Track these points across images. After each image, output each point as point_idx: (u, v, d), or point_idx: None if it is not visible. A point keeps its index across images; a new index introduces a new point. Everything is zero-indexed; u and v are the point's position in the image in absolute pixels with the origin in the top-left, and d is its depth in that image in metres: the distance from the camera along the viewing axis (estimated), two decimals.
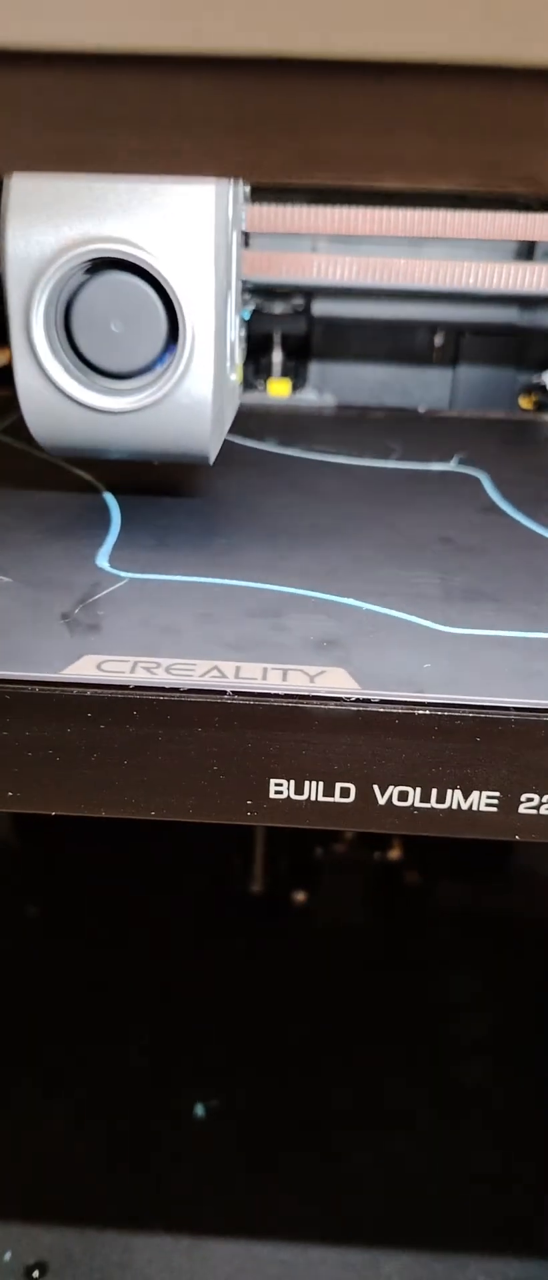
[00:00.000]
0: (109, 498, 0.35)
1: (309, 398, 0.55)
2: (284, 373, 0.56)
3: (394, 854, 0.74)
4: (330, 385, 0.56)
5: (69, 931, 0.68)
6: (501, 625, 0.27)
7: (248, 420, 0.49)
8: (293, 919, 0.72)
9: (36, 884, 0.72)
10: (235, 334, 0.34)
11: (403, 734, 0.23)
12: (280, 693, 0.23)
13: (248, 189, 0.38)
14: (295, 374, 0.56)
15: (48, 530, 0.32)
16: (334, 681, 0.23)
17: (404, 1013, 0.63)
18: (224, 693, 0.23)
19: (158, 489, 0.37)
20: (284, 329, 0.55)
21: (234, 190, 0.31)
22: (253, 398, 0.55)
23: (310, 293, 0.54)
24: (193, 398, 0.28)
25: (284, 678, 0.23)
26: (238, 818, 0.24)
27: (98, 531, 0.32)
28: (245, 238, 0.38)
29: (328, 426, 0.50)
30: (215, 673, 0.23)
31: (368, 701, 0.23)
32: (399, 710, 0.23)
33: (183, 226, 0.27)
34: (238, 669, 0.24)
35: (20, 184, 0.27)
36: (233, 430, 0.47)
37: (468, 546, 0.33)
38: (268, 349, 0.56)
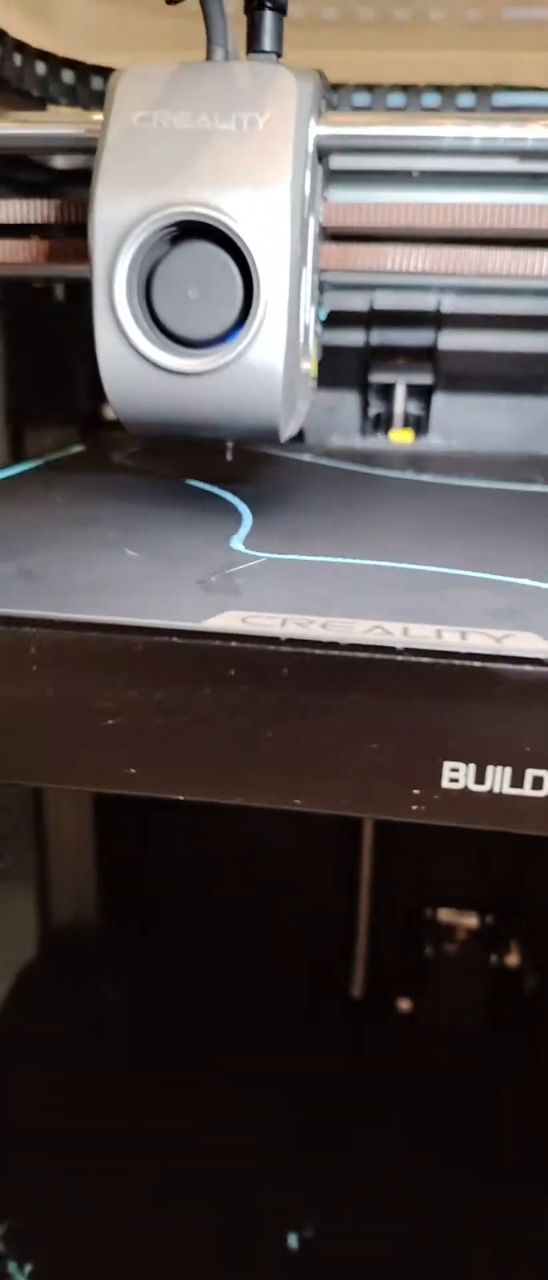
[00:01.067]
0: (239, 503, 0.33)
1: (434, 443, 0.52)
2: (406, 423, 0.53)
3: (512, 958, 0.66)
4: (455, 436, 0.53)
5: (153, 1022, 0.63)
6: None
7: (374, 457, 0.47)
8: (397, 1028, 0.64)
9: (122, 965, 0.68)
10: (310, 321, 0.34)
11: None
12: (462, 651, 0.19)
13: (326, 182, 0.37)
14: (418, 425, 0.54)
15: (178, 524, 0.30)
16: (526, 644, 0.19)
17: (524, 1141, 0.55)
18: (393, 649, 0.19)
19: (288, 503, 0.35)
20: (409, 377, 0.53)
21: (312, 172, 0.31)
22: (375, 442, 0.52)
23: (435, 341, 0.52)
24: (264, 363, 0.28)
25: (463, 638, 0.20)
26: (401, 812, 0.20)
27: (230, 527, 0.30)
28: (323, 231, 0.36)
29: (459, 461, 0.47)
30: (379, 631, 0.20)
31: None
32: None
33: (262, 194, 0.27)
34: (406, 629, 0.20)
35: (109, 155, 0.28)
36: (355, 459, 0.44)
37: None
38: (389, 398, 0.54)
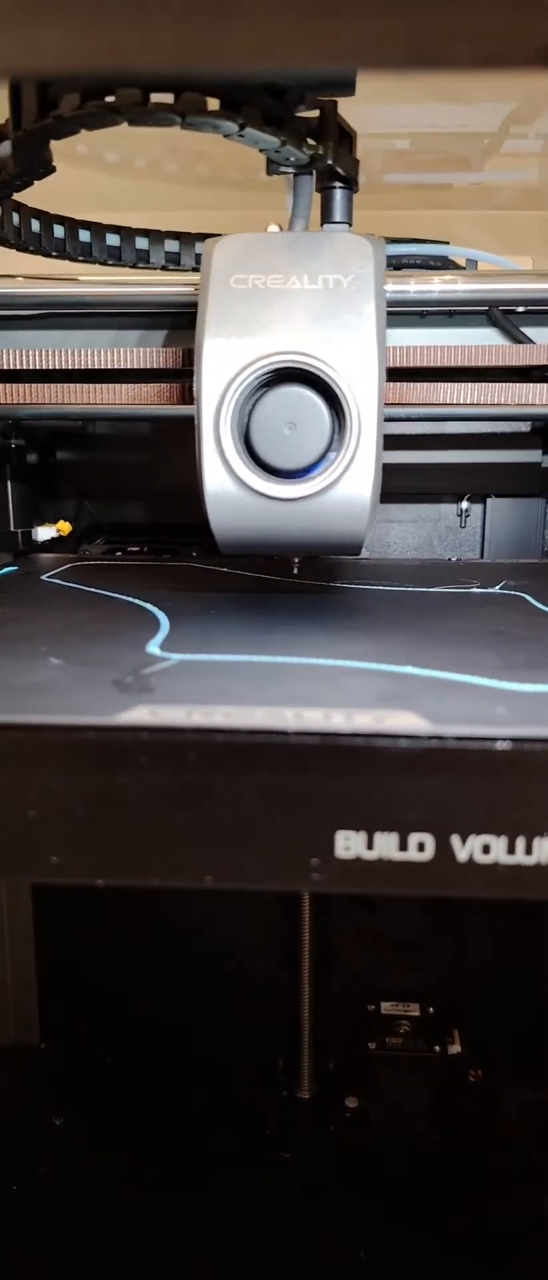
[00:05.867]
0: (158, 613, 0.35)
1: None
2: None
3: (455, 1048, 0.67)
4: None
5: (97, 1142, 0.61)
6: None
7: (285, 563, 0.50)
8: (345, 1126, 0.64)
9: (63, 1088, 0.66)
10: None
11: (483, 773, 0.21)
12: (345, 731, 0.21)
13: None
14: None
15: (100, 634, 0.32)
16: (404, 722, 0.22)
17: (473, 1230, 0.55)
18: (286, 732, 0.21)
19: (205, 608, 0.37)
20: None
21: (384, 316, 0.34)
22: None
23: None
24: (355, 490, 0.32)
25: (349, 719, 0.22)
26: (302, 882, 0.22)
27: (148, 633, 0.32)
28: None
29: (365, 568, 0.51)
30: (275, 717, 0.22)
31: (443, 739, 0.21)
32: (478, 746, 0.21)
33: (352, 345, 0.31)
34: (299, 713, 0.22)
35: (212, 313, 0.32)
36: (254, 565, 0.48)
37: (523, 637, 0.32)
38: None
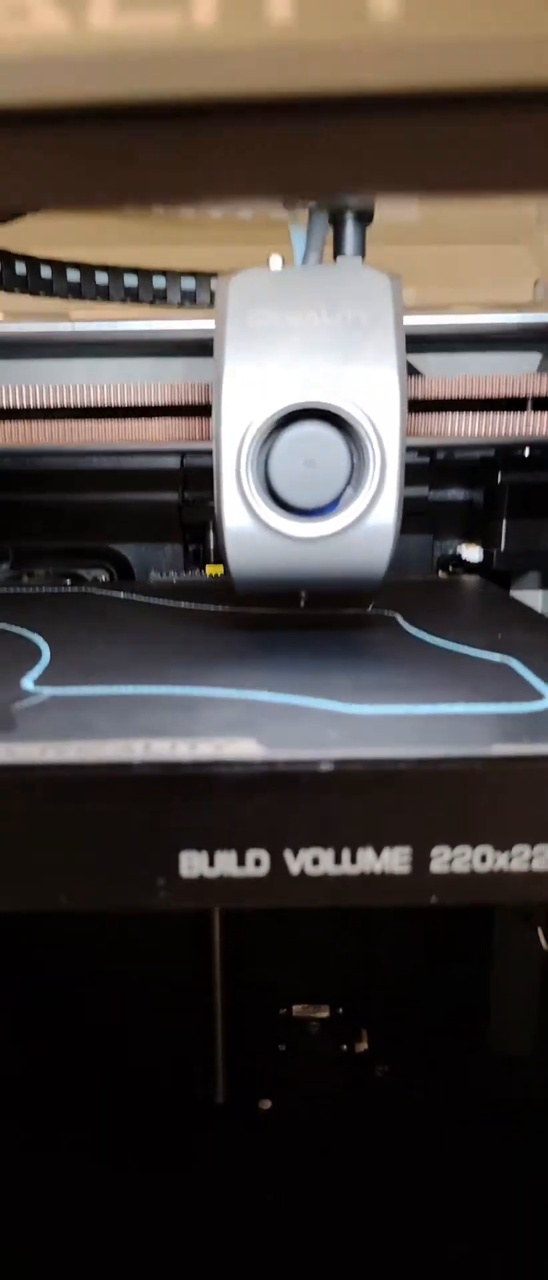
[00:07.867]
0: (43, 644, 0.37)
1: None
2: (217, 559, 0.59)
3: (362, 1045, 0.70)
4: None
5: (7, 1150, 0.61)
6: (403, 704, 0.28)
7: (188, 589, 0.52)
8: (260, 1127, 0.66)
9: None
10: None
11: (310, 793, 0.24)
12: (187, 760, 0.24)
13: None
14: None
15: None
16: (241, 749, 0.24)
17: (388, 1223, 0.57)
18: (131, 765, 0.23)
19: (90, 638, 0.39)
20: None
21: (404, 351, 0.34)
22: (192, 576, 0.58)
23: None
24: (380, 525, 0.33)
25: (192, 748, 0.24)
26: (151, 899, 0.24)
27: (27, 666, 0.33)
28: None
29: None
30: (125, 750, 0.24)
31: (274, 763, 0.24)
32: (305, 769, 0.24)
33: (375, 381, 0.32)
34: (147, 744, 0.24)
35: (231, 351, 0.32)
36: (173, 595, 0.49)
37: (379, 655, 0.35)
38: (204, 538, 0.60)
